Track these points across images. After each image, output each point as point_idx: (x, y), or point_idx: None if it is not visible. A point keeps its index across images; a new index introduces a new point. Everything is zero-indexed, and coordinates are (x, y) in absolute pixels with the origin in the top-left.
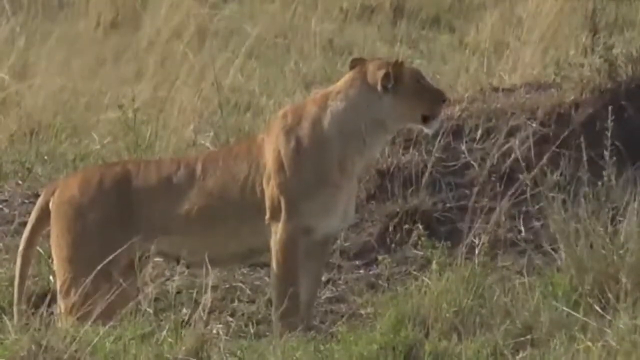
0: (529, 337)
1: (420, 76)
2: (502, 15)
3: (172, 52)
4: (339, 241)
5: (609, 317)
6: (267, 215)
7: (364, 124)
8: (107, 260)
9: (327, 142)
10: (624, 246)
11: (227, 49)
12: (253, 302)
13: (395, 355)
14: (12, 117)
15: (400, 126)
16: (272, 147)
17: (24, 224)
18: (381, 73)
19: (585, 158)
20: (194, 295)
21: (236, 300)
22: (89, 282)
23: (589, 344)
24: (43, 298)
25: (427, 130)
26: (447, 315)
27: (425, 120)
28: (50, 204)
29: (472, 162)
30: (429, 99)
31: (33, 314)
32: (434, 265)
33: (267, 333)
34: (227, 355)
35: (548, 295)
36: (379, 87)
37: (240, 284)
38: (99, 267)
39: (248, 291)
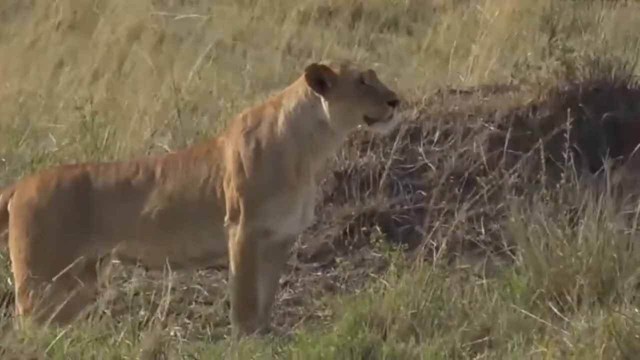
0: (486, 338)
1: (367, 77)
2: (460, 18)
3: (129, 55)
4: (296, 243)
5: (566, 319)
6: (227, 217)
7: (313, 125)
8: (65, 263)
9: (283, 143)
10: (581, 248)
11: (185, 52)
12: (211, 304)
13: (352, 357)
14: None
15: (344, 128)
16: (232, 149)
17: None
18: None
19: (543, 160)
20: (152, 297)
21: (194, 302)
22: (47, 284)
23: (544, 349)
24: (1, 300)
25: (377, 132)
26: (405, 317)
27: (370, 122)
28: (9, 206)
29: (429, 164)
30: (371, 101)
31: None
32: (391, 267)
33: (225, 335)
34: (185, 357)
35: (506, 297)
36: (308, 89)
37: (198, 286)
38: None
39: (206, 293)
